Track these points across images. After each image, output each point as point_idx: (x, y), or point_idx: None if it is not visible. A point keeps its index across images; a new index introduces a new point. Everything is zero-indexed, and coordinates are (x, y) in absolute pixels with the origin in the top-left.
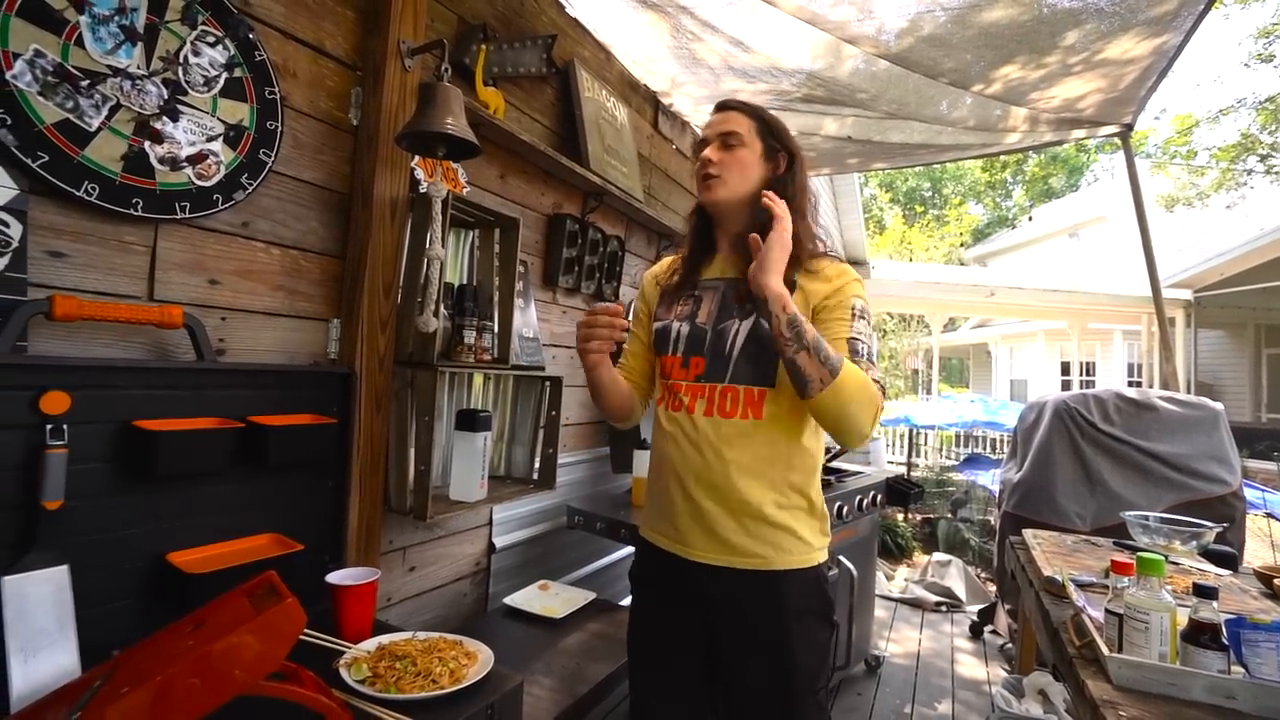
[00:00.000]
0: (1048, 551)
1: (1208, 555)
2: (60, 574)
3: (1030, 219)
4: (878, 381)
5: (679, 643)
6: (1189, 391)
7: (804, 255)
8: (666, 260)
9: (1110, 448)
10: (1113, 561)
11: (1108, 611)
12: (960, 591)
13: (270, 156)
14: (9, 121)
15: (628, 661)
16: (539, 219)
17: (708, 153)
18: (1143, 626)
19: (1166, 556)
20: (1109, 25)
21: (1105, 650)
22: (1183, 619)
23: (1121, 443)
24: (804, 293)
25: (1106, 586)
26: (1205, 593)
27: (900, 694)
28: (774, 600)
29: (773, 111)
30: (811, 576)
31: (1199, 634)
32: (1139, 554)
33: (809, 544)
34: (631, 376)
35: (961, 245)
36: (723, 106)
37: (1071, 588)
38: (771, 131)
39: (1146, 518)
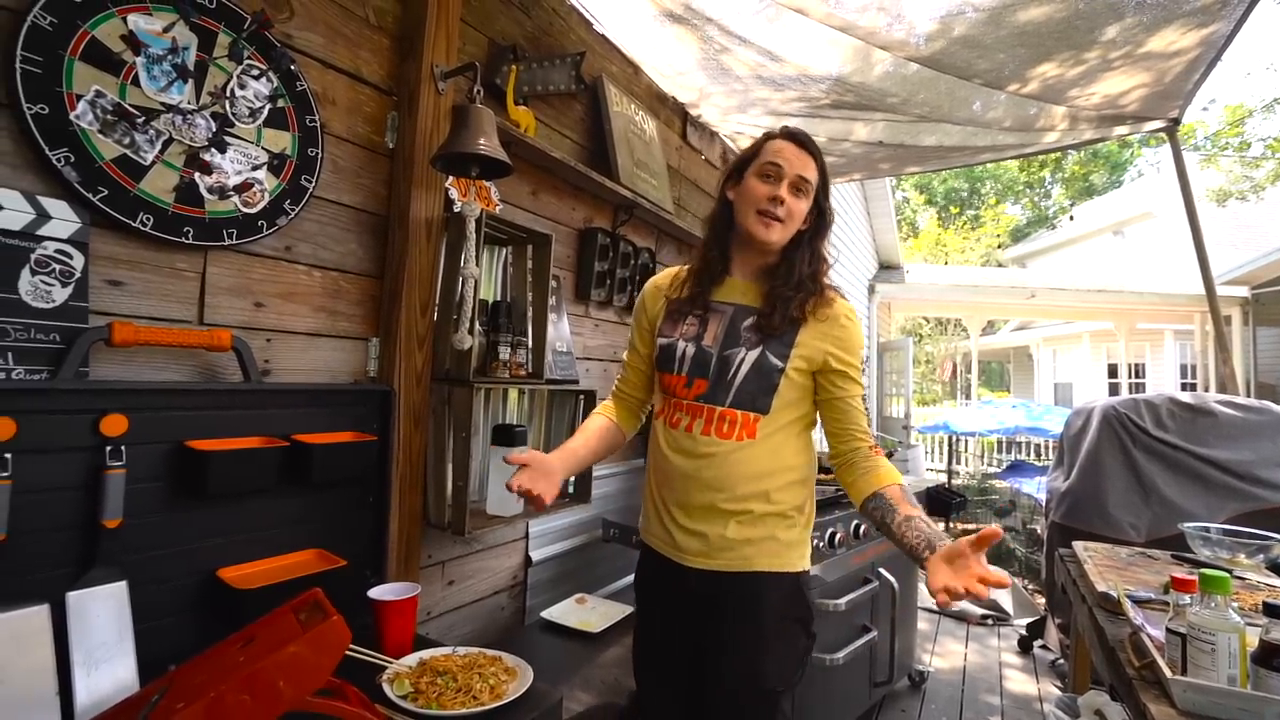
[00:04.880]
0: (1100, 565)
1: (1276, 569)
2: (120, 589)
3: (1071, 218)
4: (878, 446)
5: (671, 642)
6: (1249, 393)
7: (825, 297)
8: (670, 271)
9: (1165, 455)
10: (1173, 578)
11: (1169, 631)
12: (1007, 604)
13: (311, 182)
14: (72, 159)
15: (633, 661)
16: (570, 234)
17: (784, 192)
18: (1209, 648)
19: (1231, 571)
20: (1151, 17)
21: (1168, 672)
22: (1252, 640)
23: (1177, 450)
24: (818, 332)
25: (1165, 603)
26: (1277, 612)
27: (947, 711)
28: (753, 600)
29: (802, 119)
30: (790, 581)
31: (1272, 657)
32: (1202, 570)
33: (789, 548)
34: (629, 390)
35: (999, 246)
36: (803, 144)
37: (1128, 604)
38: (825, 190)
39: (1207, 529)
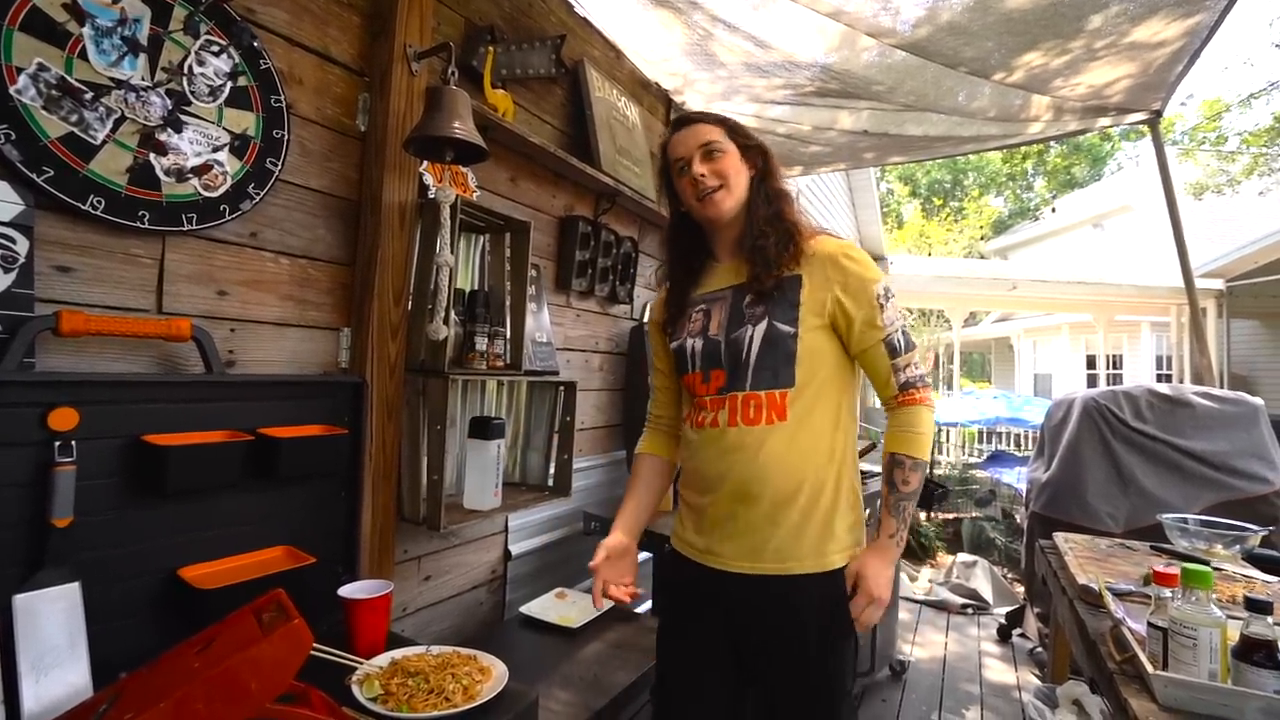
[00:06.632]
0: (1081, 557)
1: (1253, 560)
2: (71, 591)
3: (1053, 210)
4: (917, 385)
5: (707, 653)
6: (1223, 384)
7: (808, 240)
8: (666, 287)
9: (1143, 446)
10: (1154, 571)
11: (1150, 625)
12: (987, 593)
13: (277, 165)
14: (13, 136)
15: (657, 670)
16: (550, 222)
17: (698, 168)
18: (1190, 643)
19: (1208, 561)
20: (1137, 7)
21: (1149, 667)
22: (1233, 634)
23: (1155, 440)
24: (820, 279)
25: (1146, 595)
26: (1258, 606)
27: (927, 700)
28: (809, 603)
29: (787, 106)
30: (838, 579)
31: (1252, 651)
32: (1184, 566)
33: (843, 542)
34: (662, 411)
35: (981, 238)
36: (684, 122)
37: (1109, 598)
38: (738, 130)
39: (1185, 520)
